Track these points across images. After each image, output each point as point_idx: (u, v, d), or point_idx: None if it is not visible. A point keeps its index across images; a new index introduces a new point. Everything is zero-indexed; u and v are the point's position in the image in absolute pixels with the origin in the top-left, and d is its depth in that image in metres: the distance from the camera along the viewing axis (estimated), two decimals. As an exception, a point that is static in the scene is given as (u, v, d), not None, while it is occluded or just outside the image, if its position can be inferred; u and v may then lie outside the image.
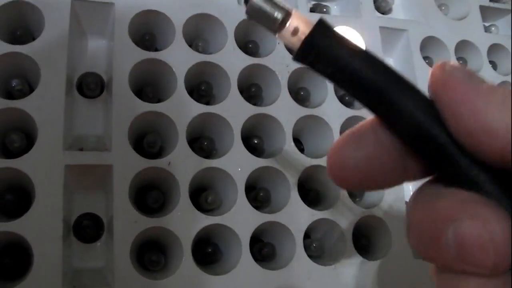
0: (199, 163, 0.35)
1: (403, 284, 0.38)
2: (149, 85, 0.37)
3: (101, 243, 0.35)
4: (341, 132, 0.39)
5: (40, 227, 0.31)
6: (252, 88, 0.39)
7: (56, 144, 0.33)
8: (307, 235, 0.38)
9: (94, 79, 0.36)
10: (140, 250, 0.35)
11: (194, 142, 0.37)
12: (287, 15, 0.17)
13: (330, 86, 0.40)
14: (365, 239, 0.39)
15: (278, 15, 0.17)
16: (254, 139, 0.38)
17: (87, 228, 0.34)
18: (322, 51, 0.16)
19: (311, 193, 0.39)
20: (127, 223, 0.32)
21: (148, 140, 0.35)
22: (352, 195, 0.38)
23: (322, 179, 0.39)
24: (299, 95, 0.41)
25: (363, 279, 0.37)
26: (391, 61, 0.47)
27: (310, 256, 0.36)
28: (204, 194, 0.35)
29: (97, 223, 0.34)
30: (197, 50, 0.38)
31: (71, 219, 0.34)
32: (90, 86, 0.36)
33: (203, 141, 0.37)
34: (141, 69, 0.36)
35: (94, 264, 0.34)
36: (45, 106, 0.33)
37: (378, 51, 0.43)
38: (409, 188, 0.42)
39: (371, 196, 0.40)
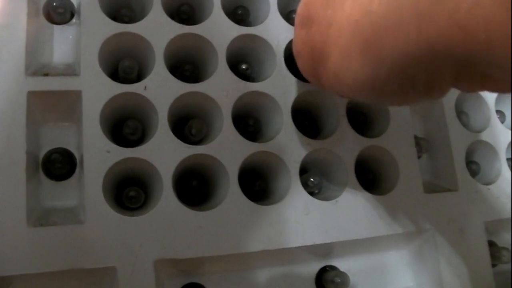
0: (180, 88, 0.31)
1: (411, 220, 0.34)
2: (124, 8, 0.34)
3: (74, 180, 0.31)
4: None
5: (1, 159, 0.28)
6: (238, 11, 0.35)
7: (17, 71, 0.29)
8: (304, 170, 0.34)
9: (61, 2, 0.32)
10: (119, 188, 0.31)
11: (175, 70, 0.33)
12: None
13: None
14: (369, 172, 0.35)
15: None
16: (242, 64, 0.34)
17: (57, 163, 0.30)
18: None
19: (306, 121, 0.35)
20: (98, 153, 0.29)
21: (123, 65, 0.31)
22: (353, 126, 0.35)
23: (318, 105, 0.35)
24: (291, 18, 0.36)
25: (368, 214, 0.33)
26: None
27: (309, 192, 0.32)
28: (187, 126, 0.32)
29: (68, 158, 0.31)
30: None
31: (40, 155, 0.31)
32: (58, 10, 0.32)
33: (184, 66, 0.33)
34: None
35: (67, 202, 0.31)
36: (4, 31, 0.29)
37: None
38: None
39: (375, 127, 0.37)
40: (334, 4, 0.24)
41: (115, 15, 0.33)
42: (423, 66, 0.20)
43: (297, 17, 0.28)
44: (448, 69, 0.20)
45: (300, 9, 0.27)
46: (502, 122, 0.41)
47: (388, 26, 0.20)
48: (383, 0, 0.20)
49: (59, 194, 0.31)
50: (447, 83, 0.22)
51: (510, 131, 0.40)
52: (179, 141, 0.30)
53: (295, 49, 0.29)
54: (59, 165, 0.30)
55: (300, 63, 0.29)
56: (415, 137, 0.36)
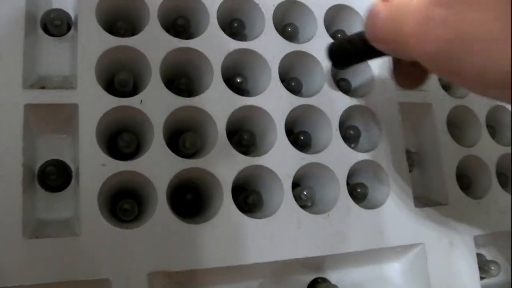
0: (175, 102, 0.31)
1: (401, 233, 0.35)
2: (120, 20, 0.34)
3: (69, 192, 0.31)
4: (332, 68, 0.35)
5: (-2, 172, 0.28)
6: (234, 24, 0.36)
7: (15, 83, 0.29)
8: (297, 184, 0.35)
9: (58, 14, 0.33)
10: (113, 200, 0.32)
11: (171, 83, 0.33)
12: None
13: (319, 22, 0.37)
14: (360, 186, 0.36)
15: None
16: (237, 78, 0.35)
17: (52, 175, 0.30)
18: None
19: (300, 136, 0.35)
20: (94, 167, 0.29)
21: (119, 78, 0.32)
22: (346, 140, 0.35)
23: (312, 119, 0.35)
24: (286, 31, 0.37)
25: (359, 228, 0.34)
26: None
27: (301, 206, 0.33)
28: (181, 138, 0.32)
29: (63, 170, 0.31)
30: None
31: (35, 166, 0.31)
32: (55, 22, 0.33)
33: (179, 80, 0.33)
34: (109, 1, 0.33)
35: (62, 214, 0.31)
36: (1, 43, 0.30)
37: None
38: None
39: (367, 142, 0.37)
40: None
41: (111, 27, 0.34)
42: None
43: None
44: None
45: None
46: (493, 137, 0.41)
47: None
48: None
49: (54, 205, 0.31)
50: None
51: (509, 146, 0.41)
52: (174, 154, 0.31)
53: (425, 30, 0.24)
54: (54, 177, 0.31)
55: (429, 46, 0.24)
56: (407, 151, 0.37)
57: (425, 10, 0.23)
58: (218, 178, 0.31)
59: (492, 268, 0.38)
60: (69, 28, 0.33)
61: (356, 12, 0.38)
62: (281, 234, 0.32)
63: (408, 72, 0.30)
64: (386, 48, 0.28)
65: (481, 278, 0.37)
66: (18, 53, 0.30)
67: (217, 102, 0.32)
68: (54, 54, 0.33)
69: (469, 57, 0.22)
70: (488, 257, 0.40)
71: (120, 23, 0.34)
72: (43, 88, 0.30)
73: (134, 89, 0.33)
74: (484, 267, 0.38)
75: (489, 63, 0.22)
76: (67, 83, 0.31)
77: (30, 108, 0.29)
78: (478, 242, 0.38)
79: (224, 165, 0.31)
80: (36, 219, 0.30)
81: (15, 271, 0.27)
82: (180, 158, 0.31)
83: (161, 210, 0.30)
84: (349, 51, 0.33)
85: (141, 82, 0.33)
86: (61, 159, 0.32)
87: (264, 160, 0.32)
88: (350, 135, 0.36)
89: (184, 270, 0.29)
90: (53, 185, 0.31)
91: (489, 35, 0.21)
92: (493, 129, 0.43)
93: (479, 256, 0.38)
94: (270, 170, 0.32)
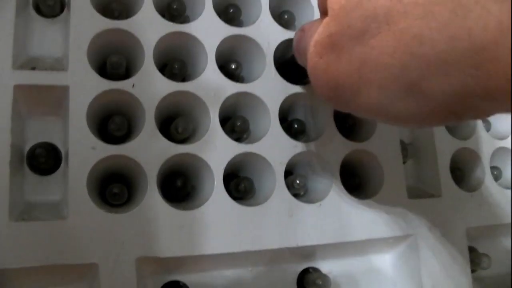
0: (167, 86, 0.31)
1: (394, 224, 0.34)
2: (113, 2, 0.33)
3: (59, 175, 0.31)
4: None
5: (-15, 153, 0.27)
6: (230, 10, 0.35)
7: (4, 63, 0.29)
8: (290, 172, 0.34)
9: (50, -6, 0.32)
10: (103, 185, 0.31)
11: (164, 68, 0.33)
12: None
13: (316, 11, 0.36)
14: (354, 177, 0.36)
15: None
16: (232, 64, 0.34)
17: (41, 157, 0.30)
18: None
19: (294, 124, 0.35)
20: (84, 150, 0.29)
21: (111, 60, 0.31)
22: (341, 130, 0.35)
23: (306, 108, 0.35)
24: (283, 19, 0.37)
25: (351, 218, 0.33)
26: None
27: (293, 194, 0.32)
28: (174, 123, 0.32)
29: (53, 152, 0.31)
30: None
31: (24, 149, 0.31)
32: (47, 2, 0.32)
33: (173, 64, 0.33)
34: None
35: (50, 198, 0.31)
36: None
37: None
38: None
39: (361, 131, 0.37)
40: (365, 40, 0.22)
41: (105, 9, 0.33)
42: (475, 103, 0.20)
43: (314, 45, 0.25)
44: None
45: (319, 37, 0.24)
46: (488, 131, 0.41)
47: (441, 68, 0.19)
48: (436, 42, 0.19)
49: (43, 188, 0.31)
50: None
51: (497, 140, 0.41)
52: (165, 139, 0.30)
53: (313, 78, 0.26)
54: (44, 160, 0.30)
55: (319, 91, 0.26)
56: (401, 142, 0.37)
57: (311, 57, 0.25)
58: (209, 164, 0.31)
59: (484, 261, 0.38)
60: (62, 9, 0.33)
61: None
62: (272, 223, 0.31)
63: None
64: None
65: (472, 271, 0.37)
66: (8, 33, 0.29)
67: (211, 88, 0.32)
68: (46, 36, 0.32)
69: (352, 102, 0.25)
70: (480, 250, 0.39)
71: (114, 4, 0.33)
72: (33, 69, 0.30)
73: (127, 73, 0.32)
74: (475, 259, 0.38)
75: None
76: (59, 65, 0.31)
77: (19, 89, 0.29)
78: (470, 234, 0.37)
79: (216, 151, 0.31)
80: (24, 202, 0.30)
81: (1, 254, 0.26)
82: (171, 143, 0.30)
83: (151, 195, 0.29)
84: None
85: (134, 65, 0.32)
86: (51, 141, 0.31)
87: (256, 147, 0.32)
88: (344, 124, 0.35)
89: (173, 256, 0.29)
90: (42, 167, 0.30)
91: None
92: (488, 123, 0.43)
93: (471, 248, 0.38)
94: (263, 158, 0.32)
